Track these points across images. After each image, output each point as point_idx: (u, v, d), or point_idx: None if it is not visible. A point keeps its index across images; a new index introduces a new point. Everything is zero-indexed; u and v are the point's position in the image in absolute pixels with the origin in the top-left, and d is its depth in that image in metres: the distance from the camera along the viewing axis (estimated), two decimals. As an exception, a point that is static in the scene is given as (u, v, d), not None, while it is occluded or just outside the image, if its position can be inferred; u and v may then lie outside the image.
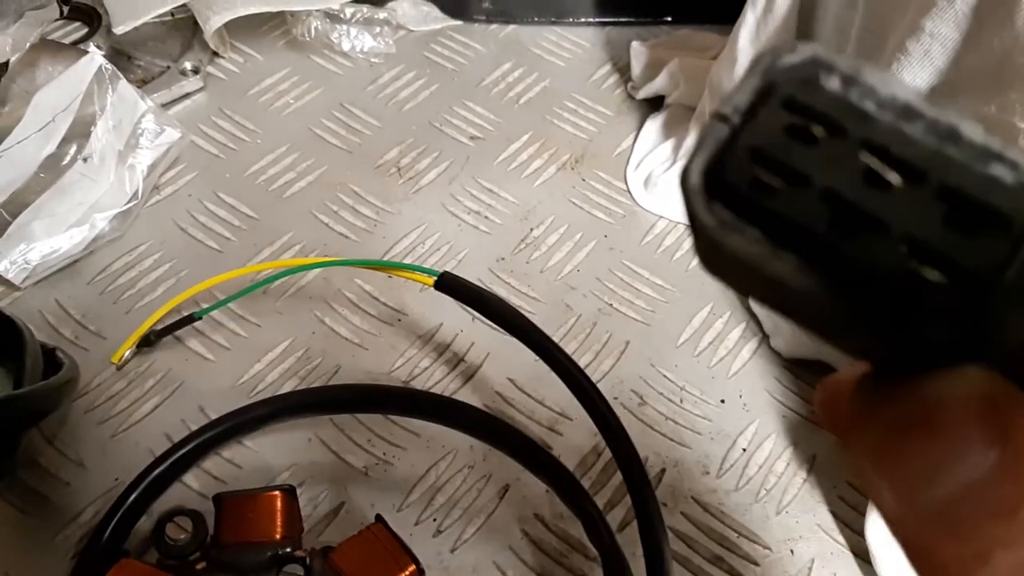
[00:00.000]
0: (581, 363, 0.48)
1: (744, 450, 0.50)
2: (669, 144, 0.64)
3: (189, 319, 0.51)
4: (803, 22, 0.54)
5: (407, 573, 0.39)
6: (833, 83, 0.13)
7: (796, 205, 0.13)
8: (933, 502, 0.14)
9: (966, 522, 0.13)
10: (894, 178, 0.13)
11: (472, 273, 0.56)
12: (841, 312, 0.13)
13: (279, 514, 0.41)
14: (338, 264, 0.51)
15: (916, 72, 0.43)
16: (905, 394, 0.14)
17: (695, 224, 0.14)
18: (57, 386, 0.40)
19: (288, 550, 0.39)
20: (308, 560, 0.39)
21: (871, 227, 0.13)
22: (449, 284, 0.46)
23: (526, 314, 0.48)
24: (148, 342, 0.51)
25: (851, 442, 0.15)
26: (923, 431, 0.14)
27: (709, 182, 0.14)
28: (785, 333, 0.54)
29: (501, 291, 0.56)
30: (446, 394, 0.52)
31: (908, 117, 0.13)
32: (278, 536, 0.40)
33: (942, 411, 0.13)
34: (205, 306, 0.52)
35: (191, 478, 0.47)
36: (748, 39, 0.55)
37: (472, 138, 0.66)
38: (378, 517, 0.41)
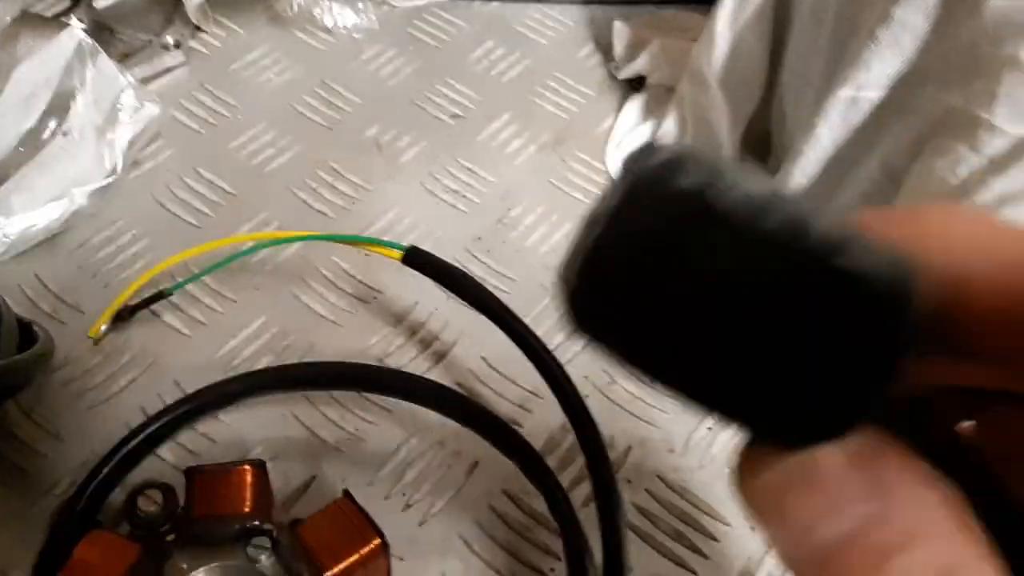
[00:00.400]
0: (554, 342, 0.49)
1: (710, 429, 0.51)
2: (649, 125, 0.65)
3: (161, 295, 0.52)
4: (780, 7, 0.54)
5: (371, 546, 0.40)
6: (693, 183, 0.14)
7: (657, 305, 0.14)
8: (814, 550, 0.14)
9: (843, 568, 0.14)
10: (748, 277, 0.13)
11: (449, 252, 0.57)
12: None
13: (249, 488, 0.42)
14: (309, 239, 0.52)
15: (887, 59, 0.43)
16: (790, 453, 0.15)
17: (573, 324, 0.15)
18: (31, 359, 0.41)
19: (256, 523, 0.40)
20: (275, 534, 0.40)
21: (727, 327, 0.14)
22: (416, 259, 0.46)
23: (502, 294, 0.49)
24: (123, 317, 0.52)
25: (742, 492, 0.16)
26: (803, 487, 0.15)
27: (584, 283, 0.14)
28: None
29: (477, 271, 0.56)
30: (420, 371, 0.52)
31: (762, 214, 0.13)
32: (247, 510, 0.41)
33: (819, 469, 0.14)
34: (180, 280, 0.52)
35: (165, 451, 0.48)
36: (726, 23, 0.55)
37: (453, 116, 0.66)
38: (345, 492, 0.42)
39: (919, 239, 0.15)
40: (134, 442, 0.46)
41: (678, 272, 0.14)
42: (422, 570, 0.45)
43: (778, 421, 0.14)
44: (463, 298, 0.48)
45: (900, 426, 0.15)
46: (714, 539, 0.47)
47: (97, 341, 0.51)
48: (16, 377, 0.40)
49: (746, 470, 0.16)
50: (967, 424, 0.18)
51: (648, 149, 0.14)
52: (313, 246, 0.57)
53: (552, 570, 0.46)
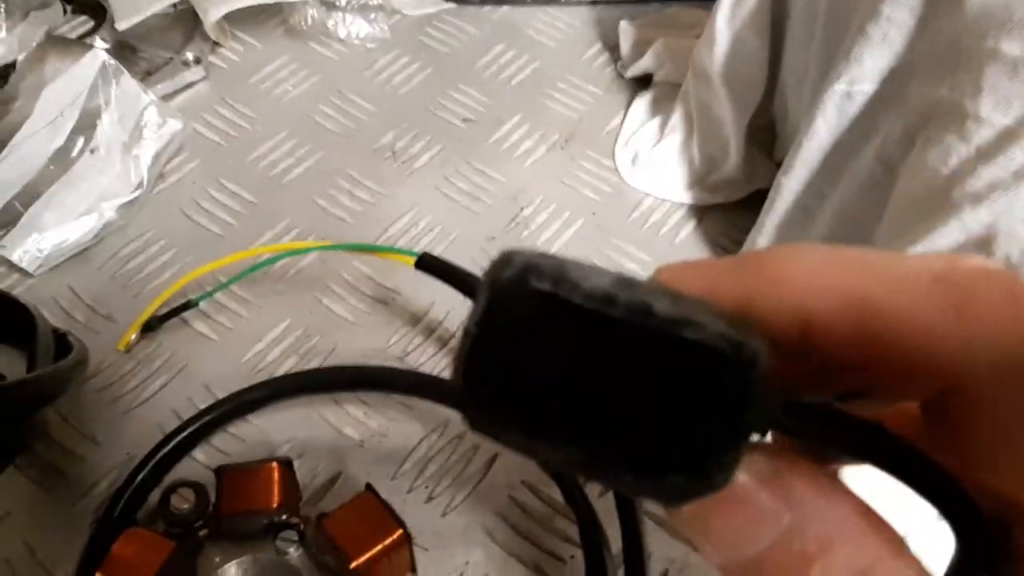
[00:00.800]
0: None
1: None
2: (656, 122, 0.66)
3: (187, 305, 0.54)
4: (777, 4, 0.55)
5: (394, 537, 0.41)
6: (545, 285, 0.15)
7: (532, 399, 0.15)
8: (741, 562, 0.16)
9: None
10: (604, 359, 0.15)
11: (463, 253, 0.59)
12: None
13: (276, 484, 0.43)
14: (324, 249, 0.54)
15: (877, 53, 0.45)
16: None
17: (472, 426, 0.16)
18: (67, 369, 0.43)
19: (284, 518, 0.42)
20: (302, 527, 0.42)
21: (594, 408, 0.15)
22: (429, 264, 0.48)
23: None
24: (151, 327, 0.54)
25: (670, 518, 0.17)
26: (723, 508, 0.16)
27: (469, 389, 0.16)
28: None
29: (491, 269, 0.58)
30: (439, 369, 0.54)
31: (609, 302, 0.15)
32: (275, 505, 0.43)
33: (734, 491, 0.16)
34: (209, 289, 0.55)
35: (197, 451, 0.50)
36: (725, 20, 0.57)
37: (465, 120, 0.68)
38: (368, 486, 0.44)
39: (762, 285, 0.17)
40: (169, 447, 0.48)
41: (543, 361, 0.15)
42: (446, 560, 0.47)
43: (655, 484, 0.15)
44: (473, 299, 0.50)
45: (817, 433, 0.17)
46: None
47: (127, 351, 0.54)
48: (53, 386, 0.42)
49: None
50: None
51: (504, 258, 0.15)
52: (332, 252, 0.59)
53: (572, 557, 0.48)
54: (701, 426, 0.15)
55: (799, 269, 0.17)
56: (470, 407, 0.16)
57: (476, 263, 0.58)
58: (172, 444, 0.48)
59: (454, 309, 0.56)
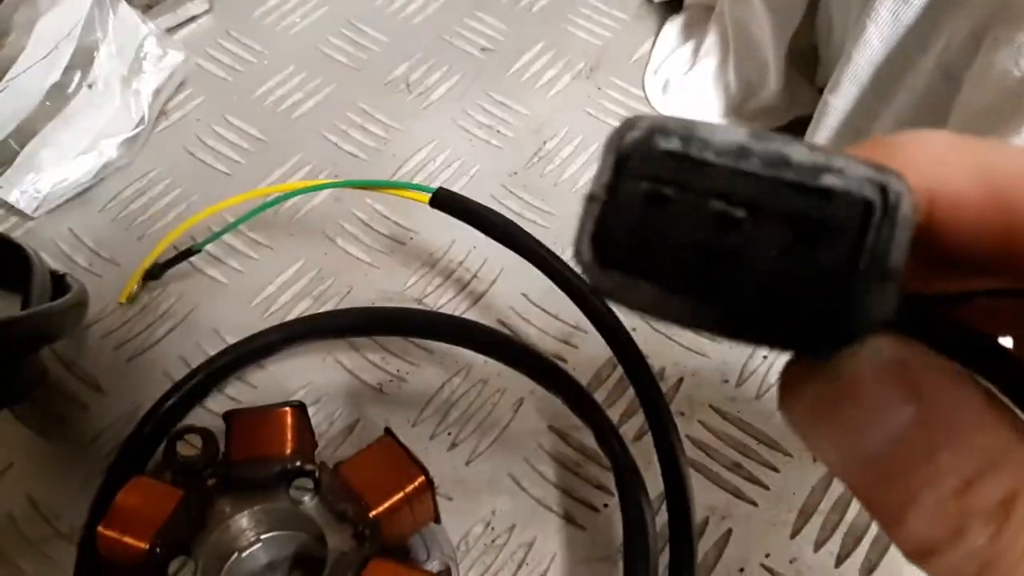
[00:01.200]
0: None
1: (765, 358, 0.49)
2: (689, 47, 0.62)
3: (191, 250, 0.50)
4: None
5: (416, 484, 0.38)
6: (674, 144, 0.15)
7: (667, 259, 0.15)
8: (863, 458, 0.16)
9: (894, 470, 0.15)
10: (741, 213, 0.15)
11: (484, 189, 0.55)
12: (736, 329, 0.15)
13: (289, 429, 0.41)
14: (336, 186, 0.50)
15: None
16: (827, 369, 0.16)
17: (597, 291, 0.16)
18: (63, 308, 0.40)
19: (298, 464, 0.39)
20: (317, 474, 0.39)
21: (734, 264, 0.15)
22: (445, 200, 0.45)
23: (540, 229, 0.47)
24: (154, 275, 0.51)
25: (787, 413, 0.17)
26: (846, 400, 0.16)
27: (598, 253, 0.16)
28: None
29: (514, 206, 0.54)
30: (459, 311, 0.51)
31: (743, 156, 0.15)
32: (288, 451, 0.40)
33: (856, 381, 0.15)
34: (215, 231, 0.51)
35: (209, 400, 0.47)
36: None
37: (483, 50, 0.64)
38: (387, 430, 0.41)
39: (891, 162, 0.15)
40: (178, 395, 0.45)
41: (679, 221, 0.15)
42: (472, 510, 0.44)
43: (800, 332, 0.15)
44: (494, 237, 0.46)
45: (927, 335, 0.16)
46: (774, 470, 0.45)
47: (130, 302, 0.51)
48: (48, 326, 0.39)
49: (788, 391, 0.17)
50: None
51: (629, 123, 0.15)
52: (345, 190, 0.55)
53: (605, 505, 0.45)
54: (845, 272, 0.14)
55: (927, 152, 0.16)
56: (598, 271, 0.16)
57: (497, 200, 0.55)
58: (182, 392, 0.46)
59: (476, 248, 0.53)
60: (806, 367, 0.17)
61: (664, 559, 0.40)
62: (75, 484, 0.44)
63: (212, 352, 0.48)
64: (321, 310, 0.51)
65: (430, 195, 0.46)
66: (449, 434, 0.47)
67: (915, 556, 0.15)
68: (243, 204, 0.51)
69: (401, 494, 0.38)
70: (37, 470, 0.45)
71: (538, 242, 0.43)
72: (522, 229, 0.44)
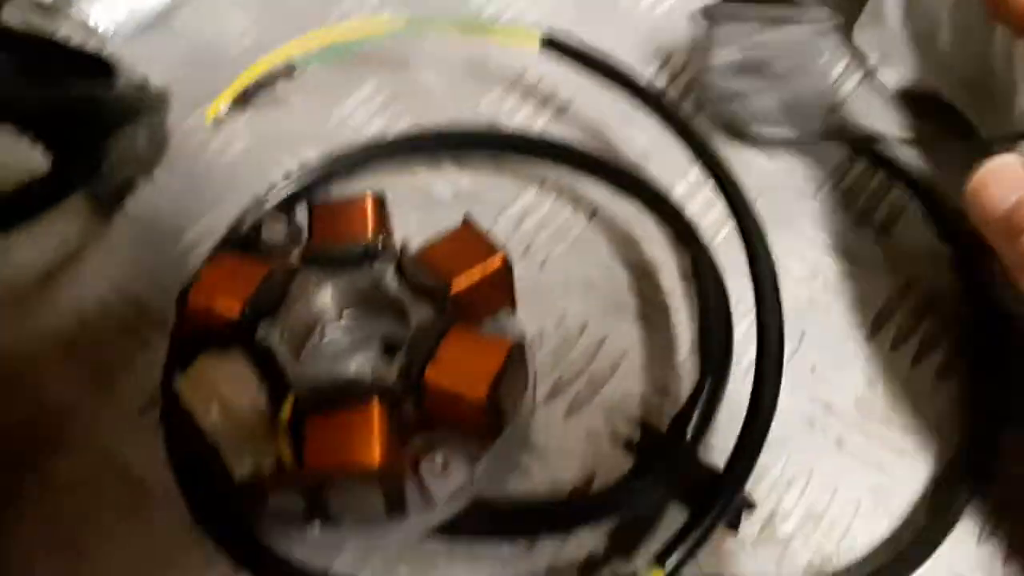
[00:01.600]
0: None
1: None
2: None
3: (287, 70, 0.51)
4: None
5: (496, 262, 0.39)
6: None
7: None
8: (999, 217, 0.19)
9: None
10: None
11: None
12: None
13: (370, 215, 0.41)
14: (433, 28, 0.50)
15: None
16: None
17: None
18: (143, 88, 0.41)
19: (380, 244, 0.40)
20: (400, 254, 0.40)
21: None
22: (557, 44, 0.46)
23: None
24: (238, 101, 0.52)
25: (1004, 253, 0.20)
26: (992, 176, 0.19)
27: None
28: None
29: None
30: (534, 131, 0.51)
31: None
32: (370, 236, 0.41)
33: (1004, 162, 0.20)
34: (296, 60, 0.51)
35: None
36: None
37: None
38: (465, 218, 0.41)
39: None
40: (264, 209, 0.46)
41: None
42: (544, 312, 0.45)
43: None
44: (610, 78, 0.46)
45: None
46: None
47: (217, 122, 0.52)
48: (128, 105, 0.40)
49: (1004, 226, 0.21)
50: None
51: None
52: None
53: (678, 310, 0.45)
54: None
55: None
56: None
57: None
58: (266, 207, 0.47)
59: (549, 73, 0.53)
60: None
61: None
62: (165, 281, 0.45)
63: (290, 168, 0.49)
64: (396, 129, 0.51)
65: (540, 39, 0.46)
66: (522, 242, 0.47)
67: None
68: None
69: (481, 271, 0.39)
70: (128, 264, 0.46)
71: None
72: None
